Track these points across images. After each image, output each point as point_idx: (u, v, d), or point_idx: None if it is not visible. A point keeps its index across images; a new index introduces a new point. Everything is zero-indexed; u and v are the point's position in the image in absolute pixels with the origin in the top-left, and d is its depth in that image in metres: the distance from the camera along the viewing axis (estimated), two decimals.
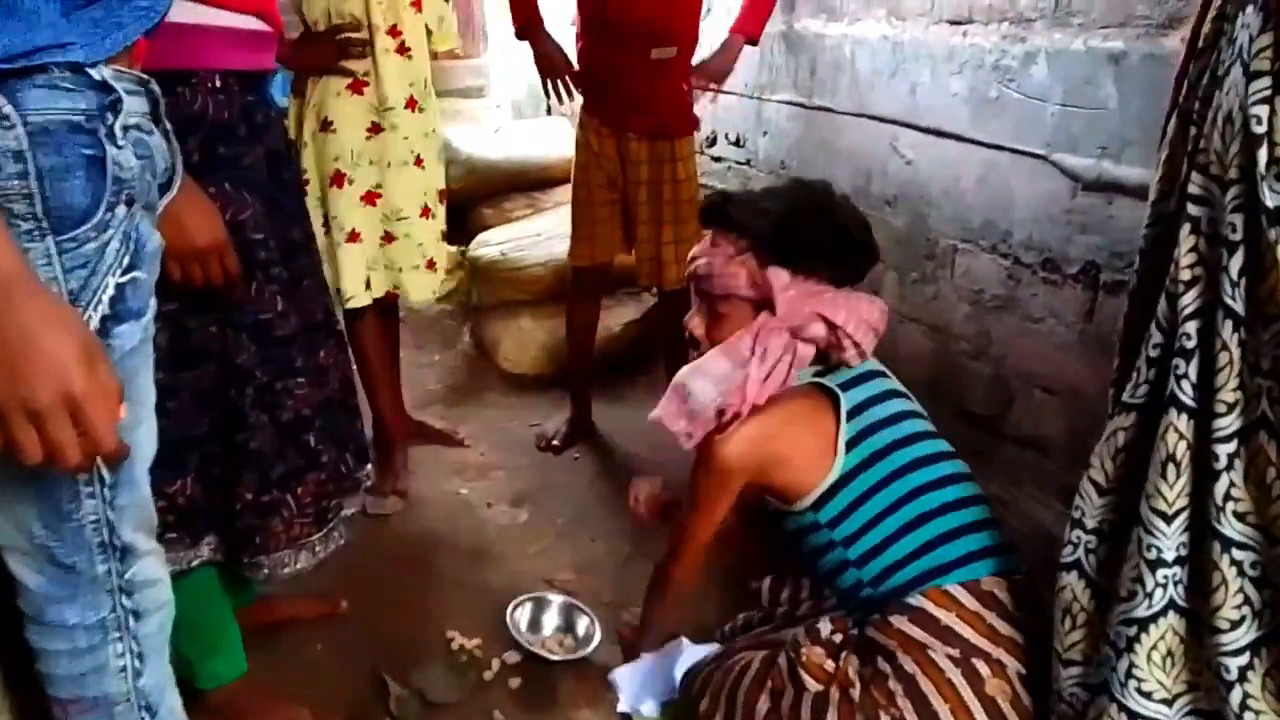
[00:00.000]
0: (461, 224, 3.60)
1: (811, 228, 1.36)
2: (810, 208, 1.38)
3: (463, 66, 7.39)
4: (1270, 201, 0.83)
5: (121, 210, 0.80)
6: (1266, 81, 0.83)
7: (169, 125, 0.91)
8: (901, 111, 2.01)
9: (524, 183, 3.52)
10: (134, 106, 0.83)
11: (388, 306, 2.32)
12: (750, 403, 1.32)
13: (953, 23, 1.85)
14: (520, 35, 2.29)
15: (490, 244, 3.13)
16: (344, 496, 1.56)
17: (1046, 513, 1.71)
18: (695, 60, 2.29)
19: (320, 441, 1.47)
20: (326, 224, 2.09)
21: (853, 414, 1.33)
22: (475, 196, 3.48)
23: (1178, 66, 1.05)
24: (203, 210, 1.15)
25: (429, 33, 2.29)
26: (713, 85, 2.36)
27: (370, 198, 2.10)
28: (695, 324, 1.45)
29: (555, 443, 2.53)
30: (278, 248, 1.38)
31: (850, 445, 1.31)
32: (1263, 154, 0.83)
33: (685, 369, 1.39)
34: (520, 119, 4.19)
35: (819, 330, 1.33)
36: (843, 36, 2.18)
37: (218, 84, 1.30)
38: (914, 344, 2.05)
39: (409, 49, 2.05)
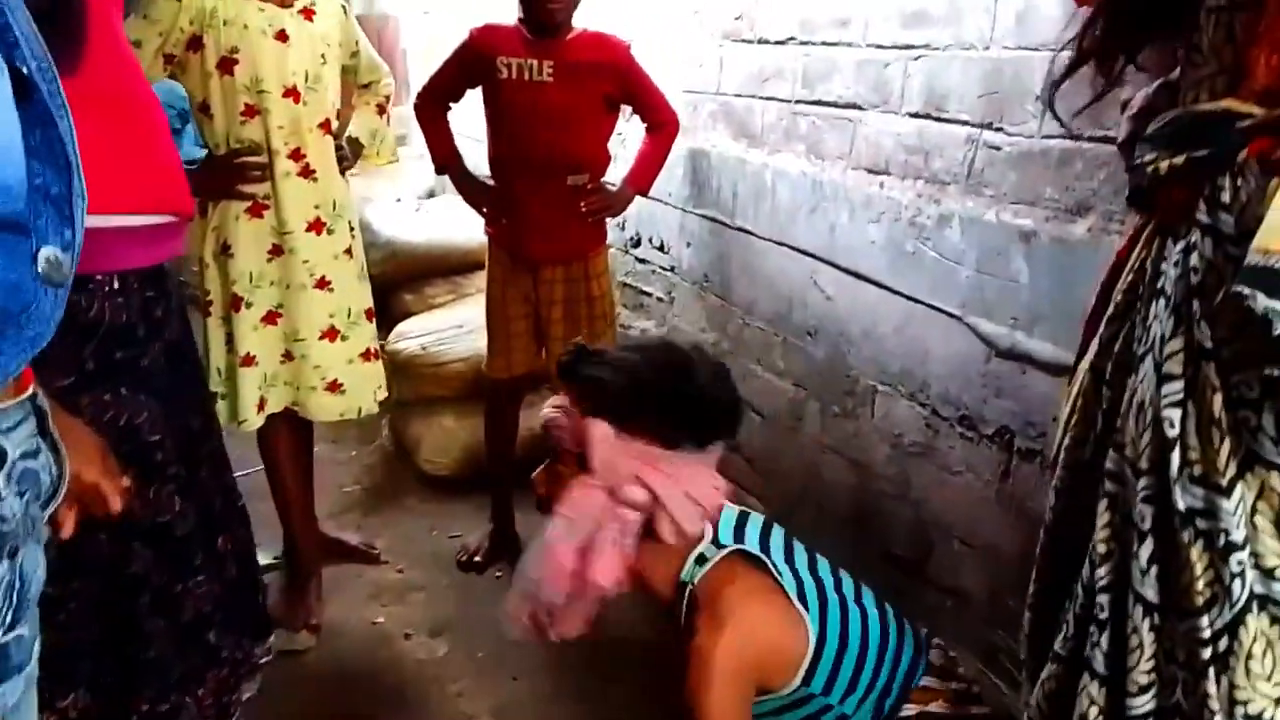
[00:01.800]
0: (381, 310, 3.51)
1: (653, 384, 1.29)
2: (662, 366, 1.32)
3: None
4: (1182, 504, 0.83)
5: (3, 566, 0.73)
6: (1179, 385, 0.83)
7: (49, 436, 0.83)
8: (821, 247, 2.02)
9: (445, 267, 3.45)
10: (20, 436, 0.75)
11: (300, 418, 2.25)
12: (585, 583, 1.25)
13: (870, 171, 1.87)
14: (439, 171, 2.32)
15: (409, 336, 3.05)
16: (244, 682, 1.49)
17: (963, 668, 1.72)
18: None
19: (221, 637, 1.41)
20: (229, 344, 2.03)
21: (767, 556, 1.34)
22: (395, 281, 3.40)
23: (1085, 312, 1.05)
24: (78, 451, 1.07)
25: (361, 146, 2.23)
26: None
27: (271, 318, 2.05)
28: (539, 479, 1.42)
29: (477, 559, 2.47)
30: (176, 444, 1.32)
31: (802, 600, 1.31)
32: (1175, 457, 0.83)
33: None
34: (444, 193, 4.12)
35: (638, 495, 1.24)
36: (763, 165, 2.19)
37: (116, 285, 1.23)
38: (837, 475, 2.06)
39: (314, 171, 2.01)
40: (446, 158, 2.30)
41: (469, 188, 2.32)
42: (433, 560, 2.51)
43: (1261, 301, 0.70)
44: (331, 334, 2.10)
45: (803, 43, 2.02)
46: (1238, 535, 0.79)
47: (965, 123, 1.63)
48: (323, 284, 2.06)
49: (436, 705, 1.98)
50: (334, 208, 2.05)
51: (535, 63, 2.11)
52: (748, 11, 2.18)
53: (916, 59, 1.72)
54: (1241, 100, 0.80)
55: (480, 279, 3.41)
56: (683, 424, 1.29)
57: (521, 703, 2.00)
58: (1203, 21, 0.83)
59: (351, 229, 2.12)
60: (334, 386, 2.13)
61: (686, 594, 1.37)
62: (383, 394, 2.28)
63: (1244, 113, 0.79)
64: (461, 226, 3.52)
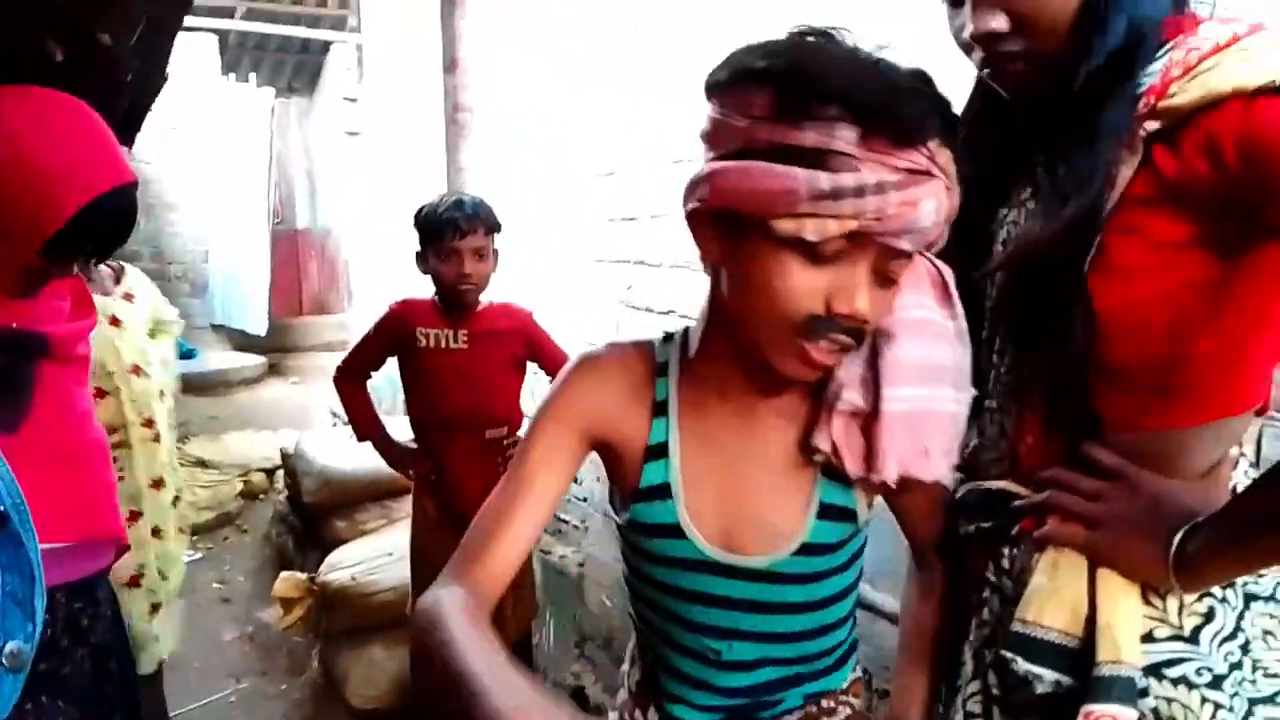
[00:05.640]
0: (314, 537, 3.63)
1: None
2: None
3: (325, 322, 7.51)
4: None
5: None
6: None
7: None
8: None
9: (377, 492, 3.59)
10: None
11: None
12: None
13: None
14: (362, 440, 2.50)
15: (340, 567, 3.15)
16: None
17: None
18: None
19: None
20: None
21: None
22: (328, 508, 3.54)
23: None
24: None
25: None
26: None
27: (134, 580, 2.18)
28: (865, 305, 0.79)
29: None
30: None
31: None
32: None
33: (905, 394, 0.87)
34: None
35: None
36: None
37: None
38: None
39: (159, 434, 2.24)
40: (369, 428, 2.50)
41: (393, 454, 2.52)
42: None
43: (1022, 665, 0.80)
44: (134, 580, 2.20)
45: (682, 315, 2.31)
46: None
47: None
48: (156, 533, 2.24)
49: None
50: (172, 466, 2.29)
51: (451, 332, 2.36)
52: (637, 284, 2.49)
53: None
54: (1016, 481, 0.93)
55: (411, 502, 3.58)
56: None
57: None
58: (982, 420, 0.97)
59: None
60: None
61: None
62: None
63: (1016, 493, 0.92)
64: None
